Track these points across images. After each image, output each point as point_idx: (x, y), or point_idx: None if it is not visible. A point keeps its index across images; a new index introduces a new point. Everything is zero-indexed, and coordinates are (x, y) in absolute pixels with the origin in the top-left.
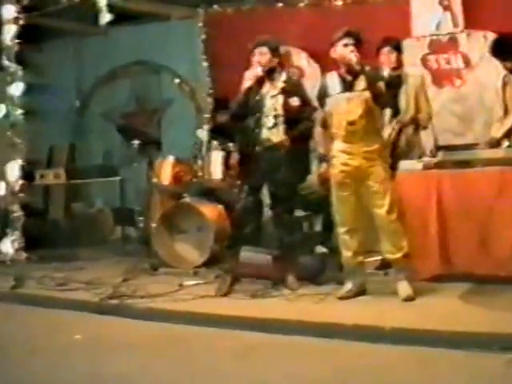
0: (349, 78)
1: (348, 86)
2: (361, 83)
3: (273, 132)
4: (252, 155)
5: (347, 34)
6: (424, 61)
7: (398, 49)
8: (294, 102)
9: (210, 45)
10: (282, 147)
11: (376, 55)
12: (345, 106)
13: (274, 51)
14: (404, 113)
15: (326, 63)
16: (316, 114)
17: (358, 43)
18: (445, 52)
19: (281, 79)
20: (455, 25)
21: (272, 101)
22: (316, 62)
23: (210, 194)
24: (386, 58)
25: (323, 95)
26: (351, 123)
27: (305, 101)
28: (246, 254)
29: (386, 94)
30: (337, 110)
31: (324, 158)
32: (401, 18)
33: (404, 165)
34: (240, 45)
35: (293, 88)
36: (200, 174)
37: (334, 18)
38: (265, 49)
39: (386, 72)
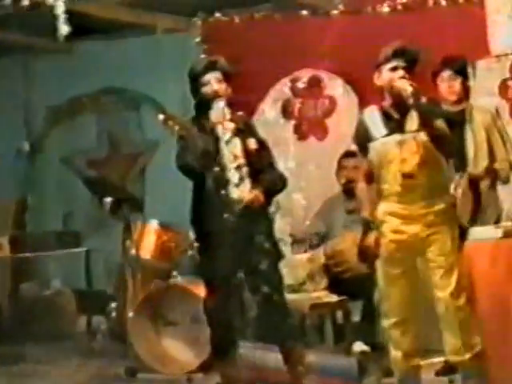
0: (396, 114)
1: (396, 126)
2: (413, 122)
3: (241, 189)
4: (221, 229)
5: (398, 53)
6: (503, 88)
7: (462, 73)
8: (252, 144)
9: None
10: (257, 206)
11: (433, 82)
12: (396, 152)
13: (228, 77)
14: (473, 162)
15: (366, 93)
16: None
17: (412, 66)
18: None
19: (228, 116)
20: None
21: (229, 147)
22: (354, 92)
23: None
24: (446, 86)
25: (365, 138)
26: (408, 176)
27: (260, 142)
28: (247, 351)
29: (451, 136)
30: (386, 159)
31: (370, 225)
32: (473, 29)
33: (476, 232)
34: (251, 67)
35: (244, 126)
36: (196, 244)
37: (380, 30)
38: (218, 74)
39: (445, 106)
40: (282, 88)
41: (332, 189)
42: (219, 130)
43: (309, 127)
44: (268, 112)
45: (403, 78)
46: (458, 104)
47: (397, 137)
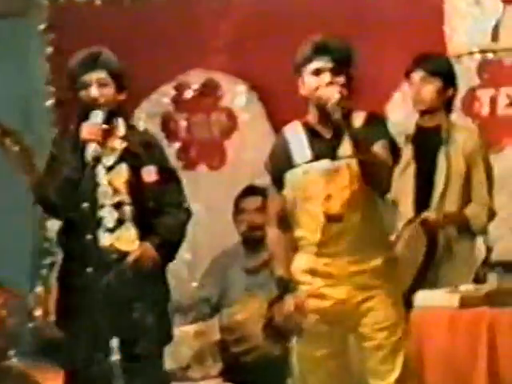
0: (327, 133)
1: (326, 149)
2: (350, 144)
3: (118, 236)
4: (86, 291)
5: (320, 51)
6: (469, 101)
7: (443, 76)
8: (149, 175)
9: (63, 64)
10: (142, 265)
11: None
12: (320, 185)
13: (118, 78)
14: (437, 202)
15: (279, 103)
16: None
17: (343, 67)
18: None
19: (120, 132)
20: None
21: (108, 176)
22: (262, 102)
23: (55, 350)
24: (415, 91)
25: (282, 165)
26: (334, 218)
27: (167, 172)
28: None
29: (386, 166)
30: (305, 194)
31: (285, 287)
32: (424, 18)
33: (425, 297)
34: None
35: (143, 148)
36: (38, 313)
37: (299, 18)
38: (102, 74)
39: (413, 120)
40: (161, 98)
41: (228, 239)
42: (92, 150)
43: (199, 152)
44: None
45: (331, 83)
46: (432, 117)
47: (324, 163)
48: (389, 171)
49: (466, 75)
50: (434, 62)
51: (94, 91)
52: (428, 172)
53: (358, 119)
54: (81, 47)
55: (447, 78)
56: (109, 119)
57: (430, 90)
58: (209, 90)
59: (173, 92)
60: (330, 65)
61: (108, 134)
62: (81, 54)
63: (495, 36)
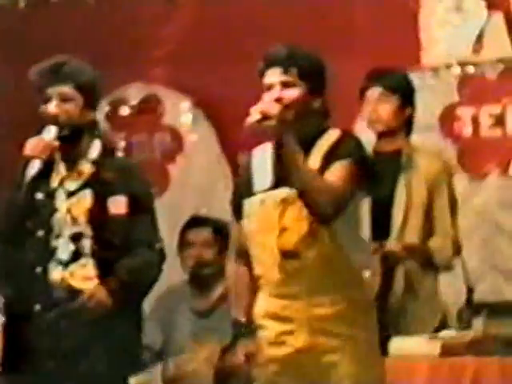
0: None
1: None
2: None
3: (72, 271)
4: (30, 327)
5: (271, 61)
6: (447, 119)
7: (402, 94)
8: (117, 206)
9: None
10: (90, 310)
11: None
12: (276, 217)
13: (87, 92)
14: (396, 233)
15: (231, 122)
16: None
17: (303, 79)
18: (497, 100)
19: (91, 155)
20: None
21: (68, 203)
22: (212, 120)
23: None
24: (370, 110)
25: (241, 193)
26: (289, 254)
27: (139, 204)
28: None
29: (329, 190)
30: (261, 226)
31: (241, 330)
32: (397, 25)
33: (402, 345)
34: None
35: (116, 175)
36: None
37: (250, 23)
38: (66, 88)
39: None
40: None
41: (173, 276)
42: (33, 168)
43: None
44: None
45: (279, 99)
46: (391, 140)
47: (283, 191)
48: (339, 195)
49: (444, 91)
50: (392, 78)
51: (51, 107)
52: (386, 202)
53: (330, 137)
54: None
55: (406, 95)
56: (74, 138)
57: (387, 108)
58: (149, 106)
59: (107, 108)
60: (282, 78)
61: (74, 155)
62: (43, 64)
63: (478, 47)
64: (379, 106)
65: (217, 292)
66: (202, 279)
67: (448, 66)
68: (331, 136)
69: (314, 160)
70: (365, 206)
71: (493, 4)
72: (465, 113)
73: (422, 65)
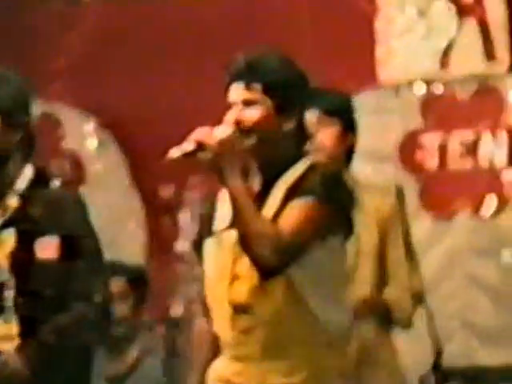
0: (258, 183)
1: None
2: (275, 199)
3: None
4: None
5: (233, 74)
6: (407, 148)
7: (343, 119)
8: (46, 249)
9: None
10: (11, 378)
11: None
12: (229, 263)
13: (5, 113)
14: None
15: (150, 149)
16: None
17: (269, 94)
18: (469, 124)
19: (18, 186)
20: (490, 56)
21: None
22: (120, 145)
23: None
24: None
25: (203, 232)
26: (239, 308)
27: (77, 246)
28: None
29: (271, 237)
30: (215, 274)
31: None
32: (350, 36)
33: None
34: None
35: (47, 209)
36: None
37: (181, 30)
38: None
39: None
40: None
41: None
42: None
43: None
44: None
45: (238, 122)
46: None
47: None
48: (286, 243)
49: (405, 113)
50: (332, 99)
51: None
52: None
53: (299, 168)
54: None
55: (348, 120)
56: None
57: (329, 134)
58: (46, 127)
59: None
60: (244, 95)
61: None
62: None
63: (446, 61)
64: (319, 131)
65: (132, 354)
66: (114, 339)
67: (410, 84)
68: (301, 166)
69: (275, 197)
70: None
71: (465, 10)
72: (430, 140)
73: (378, 82)
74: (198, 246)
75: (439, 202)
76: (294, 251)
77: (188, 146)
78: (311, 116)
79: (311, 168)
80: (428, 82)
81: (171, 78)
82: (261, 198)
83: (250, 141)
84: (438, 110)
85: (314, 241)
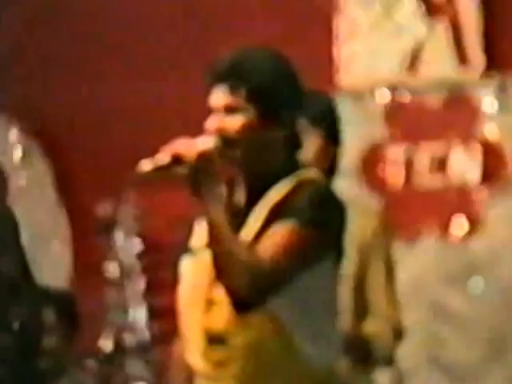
0: (243, 196)
1: (236, 224)
2: (259, 215)
3: None
4: None
5: (215, 76)
6: (369, 162)
7: (325, 124)
8: None
9: None
10: None
11: None
12: (204, 286)
13: None
14: None
15: (83, 161)
16: None
17: (252, 98)
18: (439, 136)
19: None
20: (463, 60)
21: None
22: (48, 157)
23: None
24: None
25: (181, 245)
26: (214, 339)
27: None
28: None
29: (249, 263)
30: (187, 296)
31: None
32: (306, 38)
33: None
34: None
35: None
36: None
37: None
38: None
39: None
40: None
41: None
42: None
43: None
44: None
45: (219, 130)
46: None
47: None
48: (264, 272)
49: (368, 124)
50: (316, 106)
51: None
52: None
53: (285, 185)
54: None
55: (331, 128)
56: None
57: (313, 143)
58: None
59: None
60: (226, 100)
61: None
62: None
63: (414, 65)
64: (306, 142)
65: None
66: (40, 374)
67: (373, 91)
68: (287, 183)
69: (257, 216)
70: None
71: (435, 9)
72: (395, 153)
73: (336, 88)
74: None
75: (404, 222)
76: (273, 282)
77: (163, 158)
78: (300, 125)
79: (298, 185)
80: (393, 89)
81: (110, 75)
82: (244, 214)
83: (234, 152)
84: (404, 120)
85: (298, 269)
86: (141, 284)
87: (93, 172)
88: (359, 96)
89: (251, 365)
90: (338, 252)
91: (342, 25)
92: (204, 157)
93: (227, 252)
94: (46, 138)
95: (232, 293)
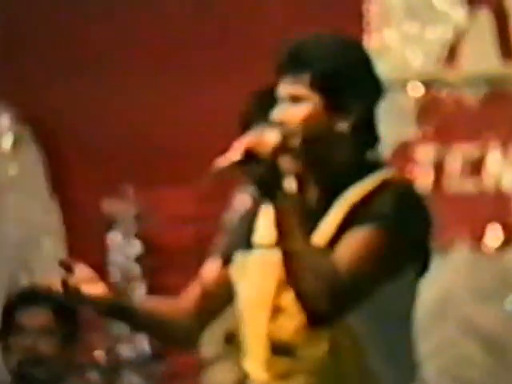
0: (312, 198)
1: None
2: (337, 214)
3: None
4: None
5: (284, 63)
6: (397, 162)
7: None
8: None
9: None
10: None
11: None
12: (270, 287)
13: None
14: None
15: (78, 149)
16: None
17: (319, 89)
18: (475, 136)
19: None
20: (506, 53)
21: None
22: (41, 144)
23: None
24: None
25: (234, 239)
26: (279, 349)
27: None
28: None
29: (325, 269)
30: (250, 298)
31: None
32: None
33: None
34: None
35: None
36: None
37: None
38: None
39: None
40: None
41: None
42: None
43: None
44: None
45: (281, 122)
46: None
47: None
48: (342, 283)
49: (397, 119)
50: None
51: None
52: None
53: (365, 186)
54: None
55: None
56: None
57: None
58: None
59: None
60: (290, 89)
61: None
62: None
63: (451, 58)
64: None
65: None
66: (32, 382)
67: (404, 84)
68: (368, 182)
69: (333, 218)
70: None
71: None
72: (424, 154)
73: None
74: (224, 256)
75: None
76: (353, 296)
77: (235, 155)
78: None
79: (380, 187)
80: (428, 83)
81: (103, 65)
82: (316, 217)
83: (296, 145)
84: (437, 117)
85: (380, 281)
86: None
87: (90, 165)
88: (389, 89)
89: (318, 380)
90: (422, 263)
91: (372, 9)
92: (278, 152)
93: (300, 255)
94: (41, 126)
95: (304, 302)
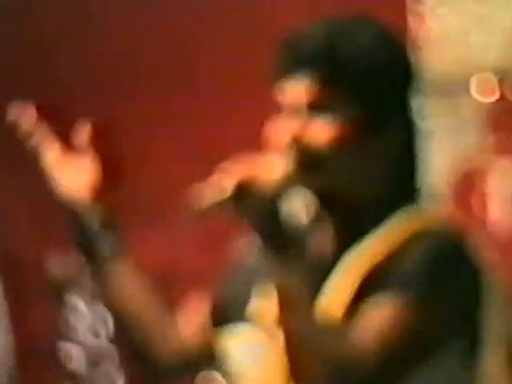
0: (322, 242)
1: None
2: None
3: None
4: None
5: (295, 58)
6: (463, 183)
7: None
8: None
9: None
10: None
11: None
12: (275, 374)
13: None
14: None
15: None
16: None
17: (349, 94)
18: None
19: None
20: None
21: None
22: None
23: None
24: None
25: (226, 304)
26: None
27: None
28: None
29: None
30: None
31: None
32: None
33: None
34: None
35: None
36: None
37: None
38: None
39: None
40: None
41: None
42: None
43: None
44: None
45: (296, 139)
46: None
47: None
48: (365, 366)
49: (460, 128)
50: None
51: None
52: None
53: (397, 226)
54: None
55: None
56: None
57: None
58: None
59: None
60: (308, 94)
61: None
62: None
63: None
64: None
65: None
66: None
67: (468, 82)
68: (392, 230)
69: (345, 280)
70: None
71: None
72: (500, 172)
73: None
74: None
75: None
76: (378, 377)
77: (226, 187)
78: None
79: (414, 235)
80: (499, 80)
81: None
82: (328, 268)
83: (316, 175)
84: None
85: (411, 365)
86: (117, 380)
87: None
88: (449, 89)
89: None
90: (469, 338)
91: None
92: (282, 187)
93: (307, 336)
94: None
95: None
